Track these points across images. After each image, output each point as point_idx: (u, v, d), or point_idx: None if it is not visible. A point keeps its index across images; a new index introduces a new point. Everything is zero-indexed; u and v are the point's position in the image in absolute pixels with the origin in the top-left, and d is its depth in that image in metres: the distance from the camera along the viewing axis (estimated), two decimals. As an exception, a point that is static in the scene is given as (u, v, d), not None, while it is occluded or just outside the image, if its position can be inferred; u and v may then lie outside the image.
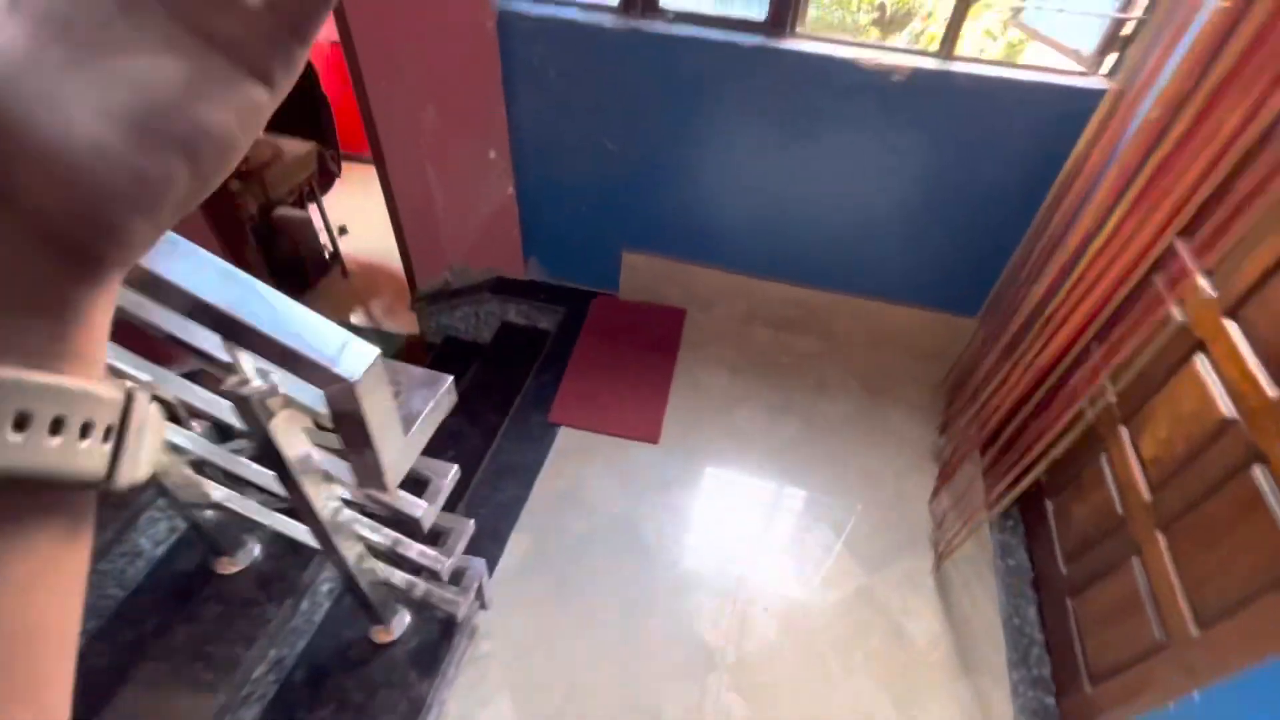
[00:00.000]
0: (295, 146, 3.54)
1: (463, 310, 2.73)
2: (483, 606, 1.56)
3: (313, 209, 3.97)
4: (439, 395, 0.99)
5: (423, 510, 1.07)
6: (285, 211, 3.70)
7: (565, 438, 2.07)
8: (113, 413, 0.19)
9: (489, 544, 1.78)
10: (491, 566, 1.72)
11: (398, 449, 0.89)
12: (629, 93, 2.01)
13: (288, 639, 1.33)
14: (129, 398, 0.20)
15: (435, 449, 2.15)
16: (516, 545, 1.78)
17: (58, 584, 0.19)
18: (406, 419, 0.94)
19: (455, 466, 1.15)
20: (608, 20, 1.89)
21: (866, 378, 2.30)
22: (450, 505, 1.98)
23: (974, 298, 2.13)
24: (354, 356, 0.75)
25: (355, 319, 4.03)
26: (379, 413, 0.81)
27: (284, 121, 4.11)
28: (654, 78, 1.96)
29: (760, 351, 2.39)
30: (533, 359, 2.44)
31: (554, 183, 2.33)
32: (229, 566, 1.31)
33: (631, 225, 2.39)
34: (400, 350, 3.53)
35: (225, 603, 1.27)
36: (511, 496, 1.90)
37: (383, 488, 0.91)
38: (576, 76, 2.02)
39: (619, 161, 2.19)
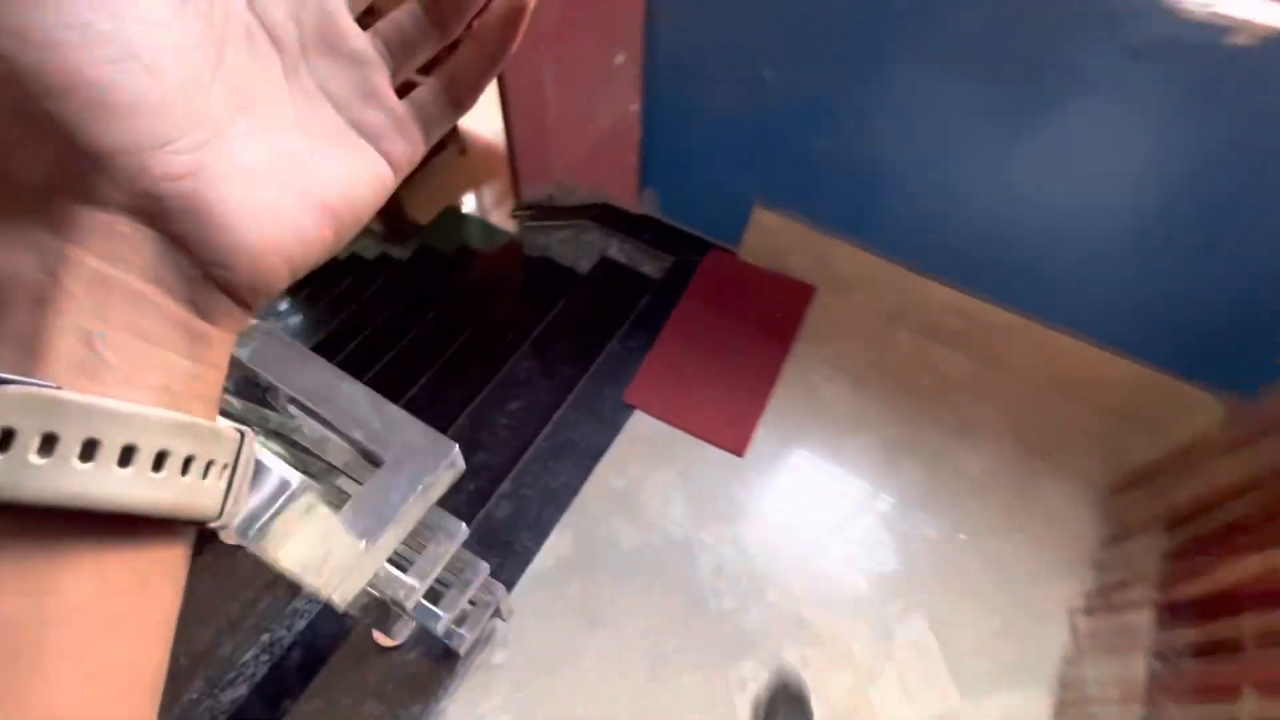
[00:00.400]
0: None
1: (562, 235, 2.41)
2: (501, 619, 1.39)
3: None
4: (431, 479, 0.71)
5: (407, 590, 0.84)
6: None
7: (637, 424, 1.79)
8: (231, 452, 0.20)
9: (527, 535, 1.58)
10: (525, 564, 1.54)
11: (346, 566, 0.64)
12: (809, 9, 1.47)
13: (284, 620, 1.23)
14: (243, 438, 0.21)
15: (498, 397, 1.94)
16: (556, 544, 1.58)
17: (166, 617, 0.20)
18: (377, 515, 0.67)
19: (463, 526, 0.90)
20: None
21: (1027, 429, 1.80)
22: (499, 476, 1.80)
23: (1239, 370, 1.51)
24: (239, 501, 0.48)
25: (465, 204, 3.83)
26: (292, 550, 0.55)
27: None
28: (850, -13, 1.40)
29: (899, 363, 1.92)
30: (626, 310, 2.12)
31: (688, 107, 1.87)
32: (231, 536, 1.19)
33: (773, 176, 1.91)
34: (500, 250, 3.30)
35: (219, 579, 1.16)
36: (563, 483, 1.67)
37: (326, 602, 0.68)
38: (743, -29, 1.49)
39: (775, 95, 1.68)
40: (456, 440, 1.93)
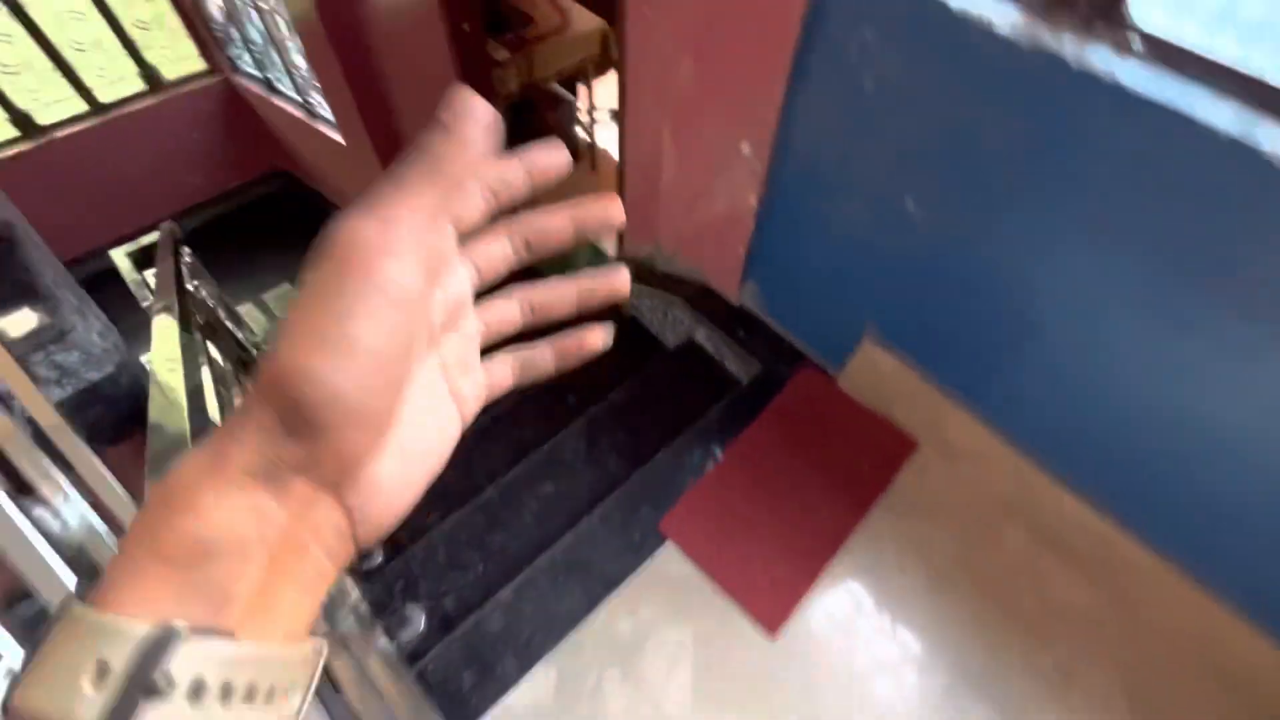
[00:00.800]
0: (585, 21, 3.10)
1: (651, 304, 2.23)
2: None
3: (581, 91, 3.60)
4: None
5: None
6: (550, 87, 3.38)
7: (666, 559, 1.58)
8: (311, 673, 0.21)
9: (512, 660, 1.43)
10: (499, 694, 1.39)
11: None
12: (982, 148, 1.17)
13: None
14: (319, 654, 0.22)
15: (536, 475, 1.80)
16: (539, 681, 1.41)
17: None
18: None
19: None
20: (1010, 23, 1.03)
21: (1150, 706, 1.39)
22: (508, 571, 1.65)
23: None
24: None
25: (580, 223, 3.74)
26: None
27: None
28: (1043, 142, 1.09)
29: (998, 569, 1.57)
30: (696, 409, 1.91)
31: (812, 214, 1.61)
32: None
33: (894, 312, 1.61)
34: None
35: None
36: (567, 609, 1.50)
37: None
38: (909, 95, 1.22)
39: (915, 230, 1.39)
40: (482, 511, 1.80)
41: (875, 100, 1.26)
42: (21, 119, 3.68)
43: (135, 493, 0.90)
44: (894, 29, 1.17)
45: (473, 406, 0.26)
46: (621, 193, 2.20)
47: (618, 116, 1.95)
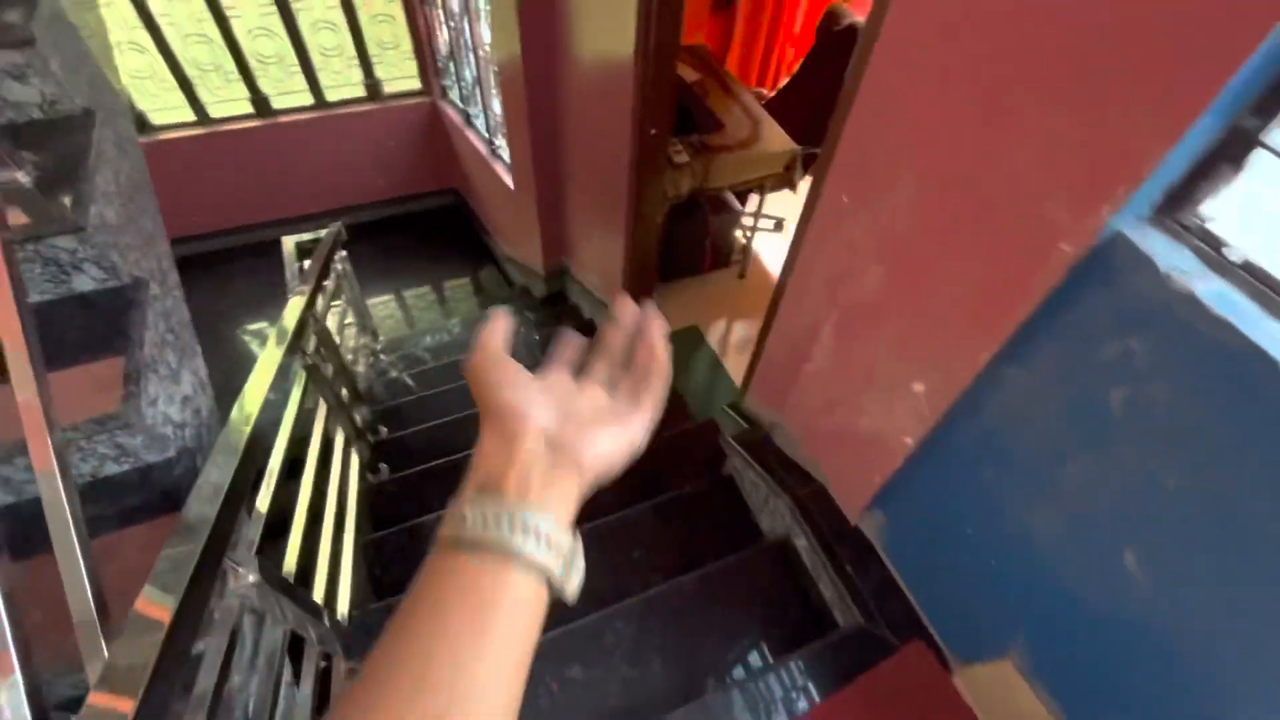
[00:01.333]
0: (775, 141, 2.93)
1: (754, 477, 1.96)
2: None
3: (751, 199, 3.44)
4: None
5: None
6: (720, 195, 3.24)
7: (676, 847, 1.27)
8: (573, 550, 0.36)
9: None
10: None
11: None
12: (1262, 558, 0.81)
13: None
14: (578, 539, 0.37)
15: (568, 648, 1.57)
16: None
17: (535, 636, 0.34)
18: None
19: None
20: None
21: None
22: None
23: None
24: None
25: (708, 328, 3.54)
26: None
27: (791, 98, 3.52)
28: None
29: None
30: (770, 639, 1.60)
31: (987, 494, 1.28)
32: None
33: (1056, 648, 1.22)
34: (700, 427, 2.76)
35: None
36: None
37: None
38: (1178, 442, 0.89)
39: (1124, 587, 1.02)
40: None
41: (1121, 423, 0.94)
42: (260, 101, 4.13)
43: (117, 603, 0.79)
44: (1181, 356, 0.85)
45: (631, 431, 0.39)
46: (759, 349, 1.97)
47: (779, 281, 1.73)
